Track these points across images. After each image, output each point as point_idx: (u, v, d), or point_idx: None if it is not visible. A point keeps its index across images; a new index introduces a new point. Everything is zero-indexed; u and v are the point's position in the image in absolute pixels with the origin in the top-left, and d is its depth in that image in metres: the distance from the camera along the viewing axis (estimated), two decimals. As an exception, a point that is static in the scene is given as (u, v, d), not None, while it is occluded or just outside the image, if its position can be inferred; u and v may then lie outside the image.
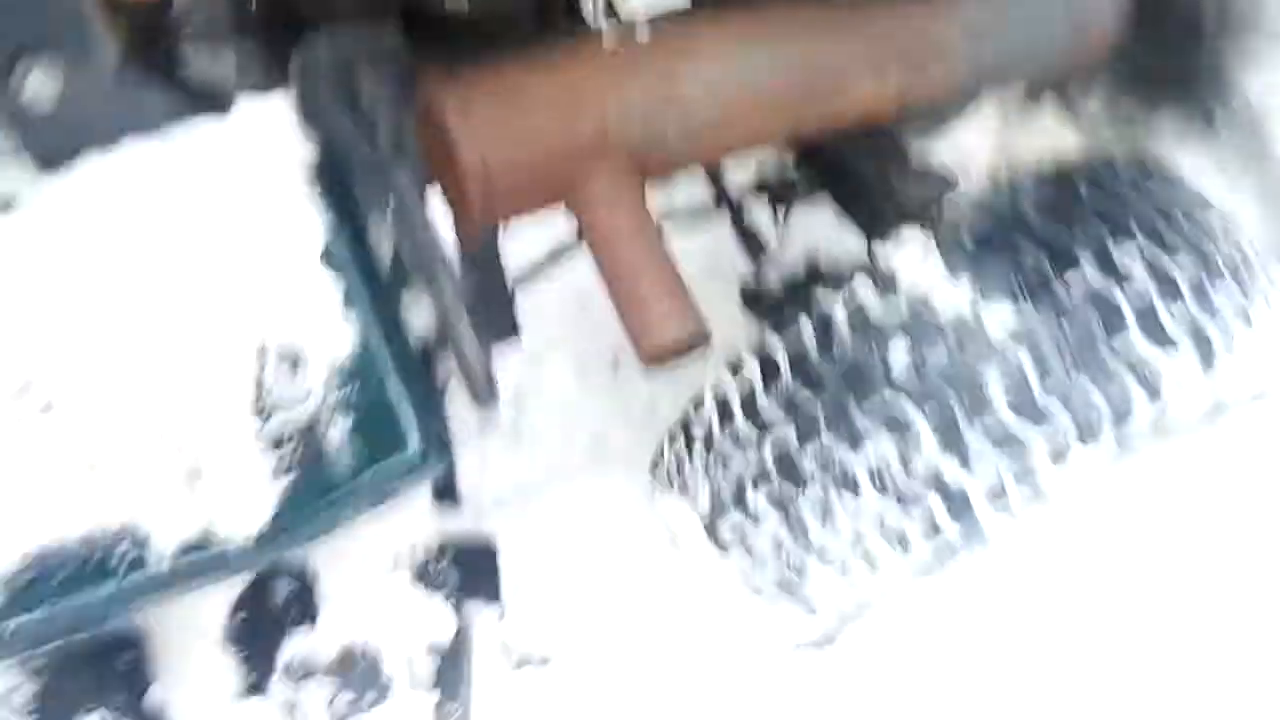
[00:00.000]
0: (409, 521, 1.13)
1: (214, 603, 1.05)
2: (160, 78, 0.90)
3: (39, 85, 0.84)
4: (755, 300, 1.30)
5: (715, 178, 1.37)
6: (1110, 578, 1.28)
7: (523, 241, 1.25)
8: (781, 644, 1.16)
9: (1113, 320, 0.97)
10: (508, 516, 1.28)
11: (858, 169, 1.23)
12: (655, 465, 1.16)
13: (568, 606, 1.26)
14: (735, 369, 1.10)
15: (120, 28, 0.88)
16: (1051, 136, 1.46)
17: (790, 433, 1.00)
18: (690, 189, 1.38)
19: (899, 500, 0.95)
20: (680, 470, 1.09)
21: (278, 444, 0.93)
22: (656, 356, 0.93)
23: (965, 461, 0.94)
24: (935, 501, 0.94)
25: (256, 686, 1.05)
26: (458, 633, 1.08)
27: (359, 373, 0.94)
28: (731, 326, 1.37)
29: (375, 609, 1.09)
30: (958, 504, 0.95)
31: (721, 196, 1.37)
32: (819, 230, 1.31)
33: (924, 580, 1.03)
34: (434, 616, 1.09)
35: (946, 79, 1.07)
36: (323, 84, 0.95)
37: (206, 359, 0.92)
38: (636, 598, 1.26)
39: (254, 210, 0.96)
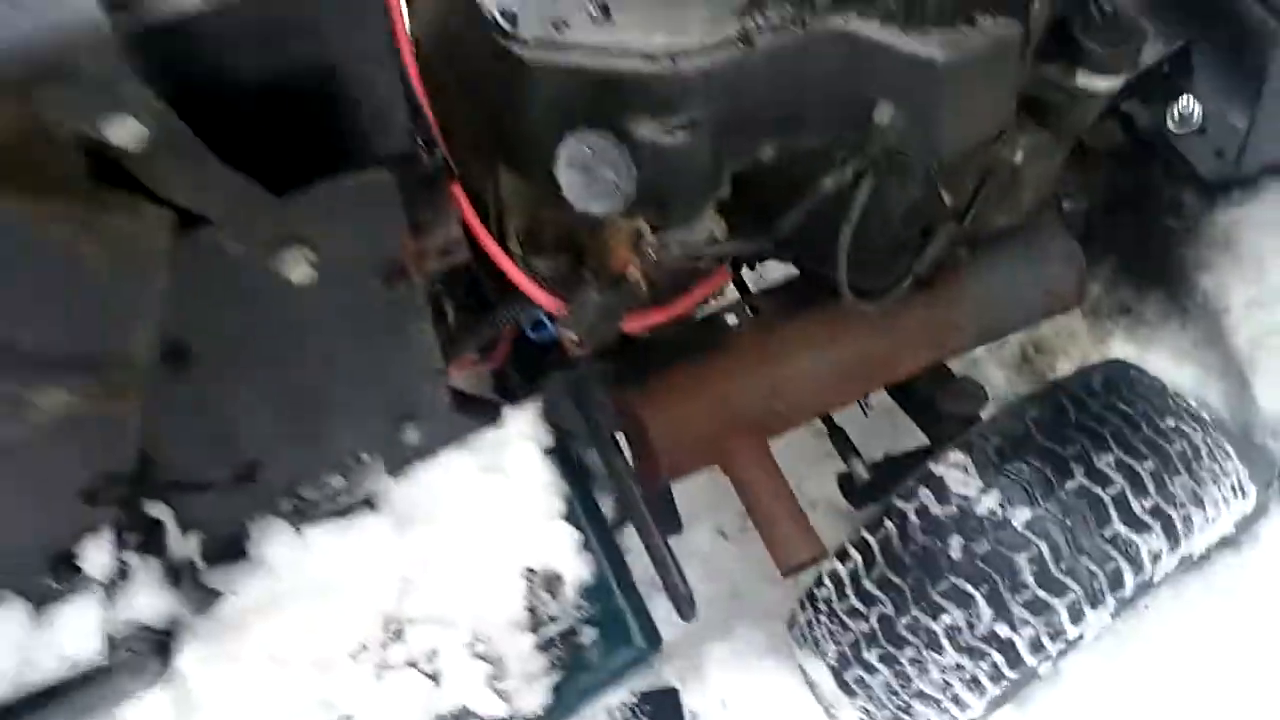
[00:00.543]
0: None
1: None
2: (477, 405, 1.41)
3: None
4: (849, 488, 1.77)
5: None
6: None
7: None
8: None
9: (1100, 513, 1.42)
10: (676, 666, 1.75)
11: (916, 390, 1.70)
12: (792, 624, 1.62)
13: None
14: (843, 556, 1.56)
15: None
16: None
17: (889, 606, 1.45)
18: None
19: (970, 655, 1.39)
20: (812, 631, 1.55)
21: (547, 648, 1.42)
22: (789, 571, 1.41)
23: (1012, 625, 1.38)
24: (996, 655, 1.38)
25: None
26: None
27: (597, 591, 1.43)
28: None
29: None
30: (1012, 656, 1.39)
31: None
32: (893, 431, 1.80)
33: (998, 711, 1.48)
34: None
35: (960, 345, 1.56)
36: (561, 396, 1.47)
37: (496, 589, 1.42)
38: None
39: (521, 481, 1.47)
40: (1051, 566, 1.40)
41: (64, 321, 0.76)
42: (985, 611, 1.40)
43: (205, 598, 1.22)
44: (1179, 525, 1.43)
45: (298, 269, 0.94)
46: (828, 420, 1.69)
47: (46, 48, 0.61)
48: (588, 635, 1.42)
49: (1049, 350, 1.99)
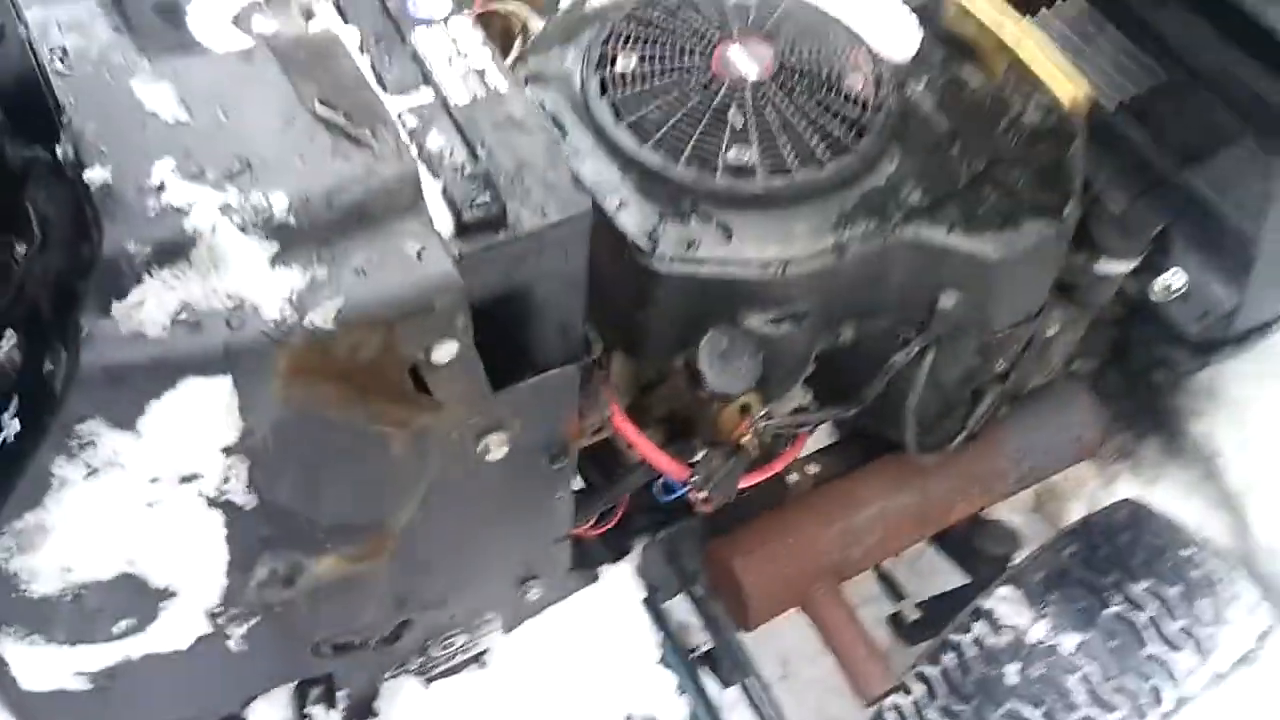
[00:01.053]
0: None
1: None
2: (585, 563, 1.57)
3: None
4: (899, 627, 1.93)
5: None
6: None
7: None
8: None
9: (1138, 636, 1.60)
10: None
11: (955, 534, 1.89)
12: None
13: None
14: (904, 689, 1.71)
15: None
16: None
17: (955, 733, 1.61)
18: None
19: (1036, 771, 1.55)
20: (887, 757, 1.69)
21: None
22: (874, 701, 1.56)
23: (1071, 741, 1.55)
24: (1060, 769, 1.55)
25: None
26: None
27: (690, 729, 1.57)
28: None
29: None
30: (1073, 770, 1.55)
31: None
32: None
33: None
34: None
35: (1005, 490, 1.77)
36: (652, 556, 1.64)
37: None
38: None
39: (620, 631, 1.62)
40: (1100, 686, 1.56)
41: (359, 499, 0.93)
42: (1045, 730, 1.56)
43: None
44: (1207, 643, 1.62)
45: (499, 450, 1.12)
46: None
47: (414, 295, 0.81)
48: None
49: (1060, 495, 2.20)
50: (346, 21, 1.11)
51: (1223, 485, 1.97)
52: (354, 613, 1.10)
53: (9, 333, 0.80)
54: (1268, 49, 2.05)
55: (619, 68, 1.40)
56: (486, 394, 1.03)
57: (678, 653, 1.64)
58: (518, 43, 2.62)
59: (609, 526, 1.52)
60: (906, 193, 1.35)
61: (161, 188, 0.75)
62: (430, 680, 1.51)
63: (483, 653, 1.56)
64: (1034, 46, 1.60)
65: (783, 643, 2.03)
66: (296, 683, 1.24)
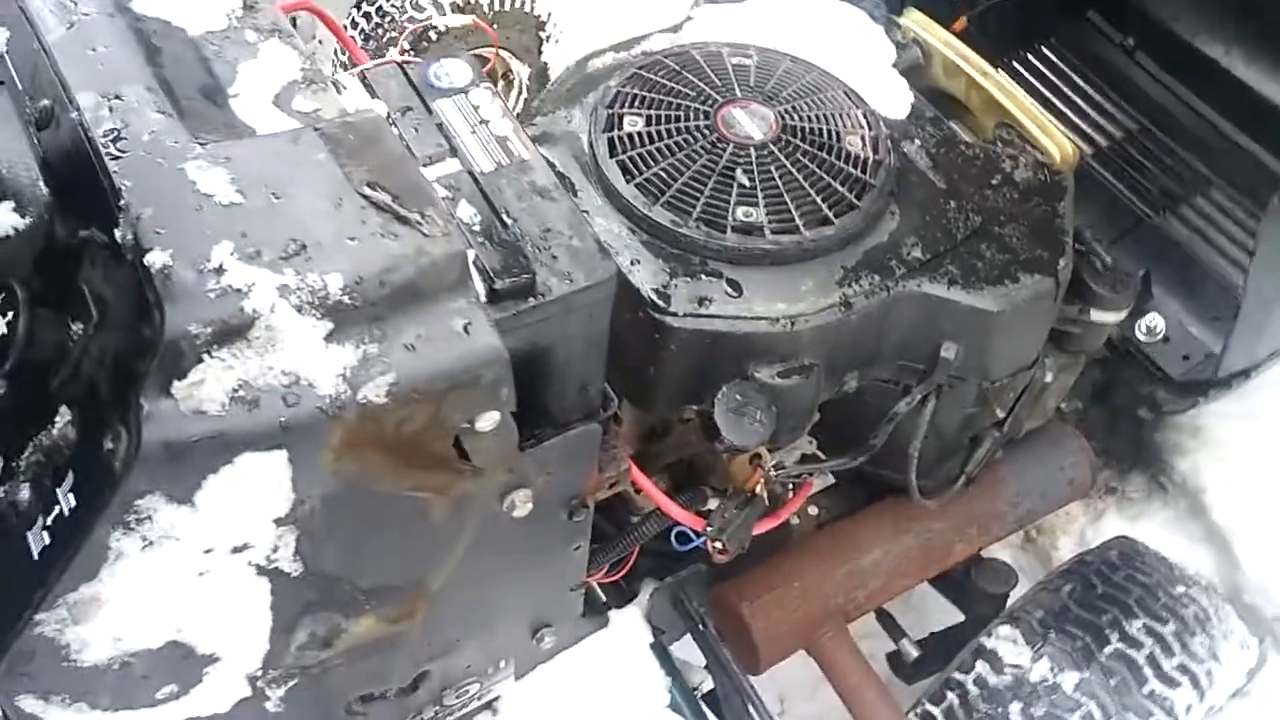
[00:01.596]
0: None
1: None
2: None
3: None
4: (898, 666, 1.96)
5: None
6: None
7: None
8: None
9: (1137, 673, 1.64)
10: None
11: (952, 573, 1.93)
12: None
13: None
14: (911, 728, 1.74)
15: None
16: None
17: (961, 768, 1.64)
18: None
19: (1041, 806, 1.58)
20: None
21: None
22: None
23: (1074, 776, 1.58)
24: (1064, 804, 1.58)
25: None
26: None
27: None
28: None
29: None
30: (1078, 803, 1.58)
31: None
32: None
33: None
34: None
35: (1002, 531, 1.81)
36: (660, 601, 1.66)
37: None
38: None
39: (629, 675, 1.64)
40: (1102, 722, 1.61)
41: (399, 562, 0.96)
42: (1050, 767, 1.59)
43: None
44: (1203, 679, 1.66)
45: (523, 507, 1.15)
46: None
47: (463, 369, 0.84)
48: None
49: (1049, 530, 2.26)
50: (374, 96, 1.15)
51: (1208, 521, 2.03)
52: (386, 671, 1.11)
53: (64, 409, 0.82)
54: (1240, 103, 2.15)
55: (627, 129, 1.44)
56: (516, 454, 1.06)
57: (686, 695, 1.66)
58: (514, 92, 2.68)
59: (622, 575, 1.55)
60: (907, 249, 1.40)
61: (221, 270, 0.78)
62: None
63: (494, 699, 1.58)
64: (1024, 102, 1.66)
65: (780, 679, 2.05)
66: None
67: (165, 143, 0.85)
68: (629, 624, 1.67)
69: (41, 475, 0.82)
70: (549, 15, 2.69)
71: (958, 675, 1.73)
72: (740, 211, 1.36)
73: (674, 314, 1.30)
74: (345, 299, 0.81)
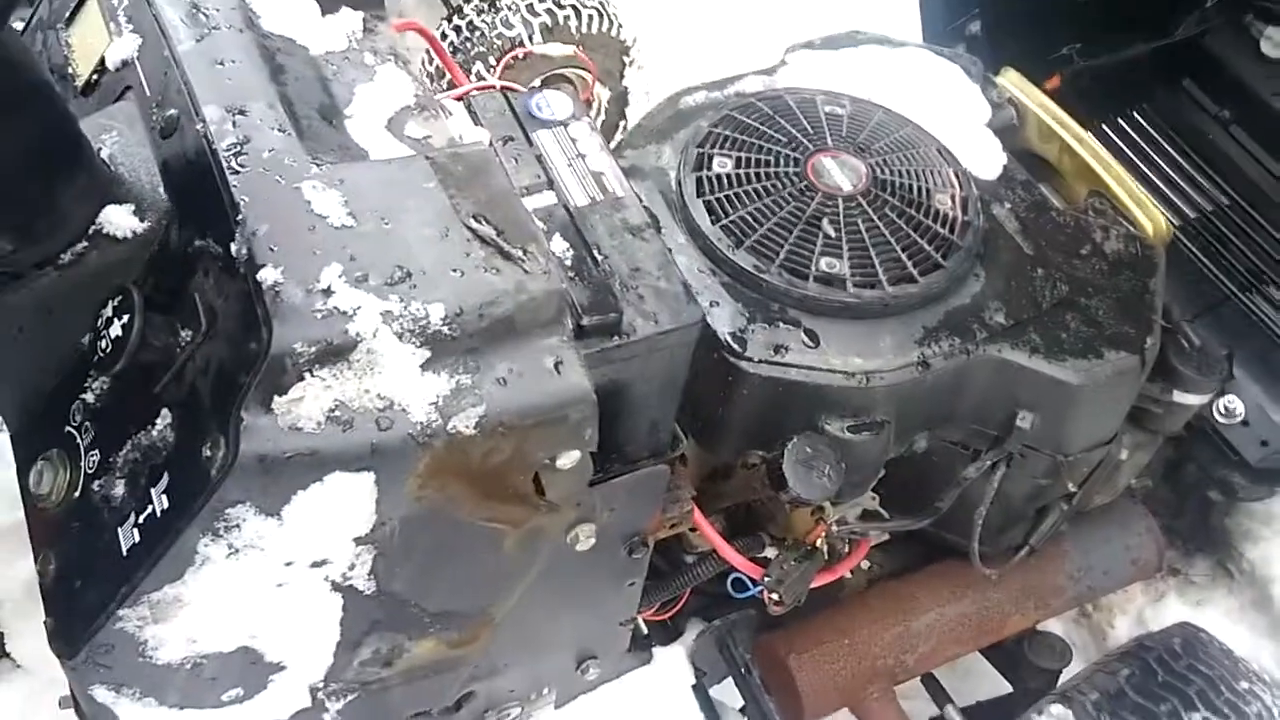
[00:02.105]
0: None
1: None
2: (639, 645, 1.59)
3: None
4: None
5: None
6: None
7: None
8: None
9: (1193, 767, 1.60)
10: None
11: (1004, 642, 1.90)
12: None
13: None
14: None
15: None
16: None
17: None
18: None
19: None
20: None
21: None
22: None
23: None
24: None
25: None
26: None
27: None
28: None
29: None
30: None
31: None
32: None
33: None
34: None
35: (1061, 606, 1.77)
36: (705, 643, 1.65)
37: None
38: None
39: (669, 713, 1.63)
40: (1155, 809, 1.56)
41: (468, 590, 0.97)
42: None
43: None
44: (1262, 780, 1.61)
45: (586, 542, 1.15)
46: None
47: (551, 406, 0.85)
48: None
49: (1106, 608, 2.20)
50: (478, 123, 1.17)
51: (1276, 614, 1.97)
52: (441, 693, 1.12)
53: (165, 412, 0.84)
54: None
55: (716, 169, 1.45)
56: (585, 490, 1.06)
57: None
58: (593, 114, 2.71)
59: (673, 614, 1.55)
60: (990, 313, 1.38)
61: (329, 291, 0.80)
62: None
63: (534, 729, 1.58)
64: (1119, 171, 1.64)
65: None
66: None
67: (284, 161, 0.87)
68: (672, 663, 1.67)
69: (138, 474, 0.84)
70: (634, 40, 2.72)
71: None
72: (824, 262, 1.36)
73: (749, 359, 1.30)
74: (444, 329, 0.82)
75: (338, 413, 0.79)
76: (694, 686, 1.68)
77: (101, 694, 0.89)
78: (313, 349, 0.79)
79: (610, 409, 1.11)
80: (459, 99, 1.25)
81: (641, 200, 1.42)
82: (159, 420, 0.84)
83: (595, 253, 1.10)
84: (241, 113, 0.89)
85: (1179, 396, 1.49)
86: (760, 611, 1.66)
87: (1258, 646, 1.97)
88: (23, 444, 0.97)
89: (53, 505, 0.91)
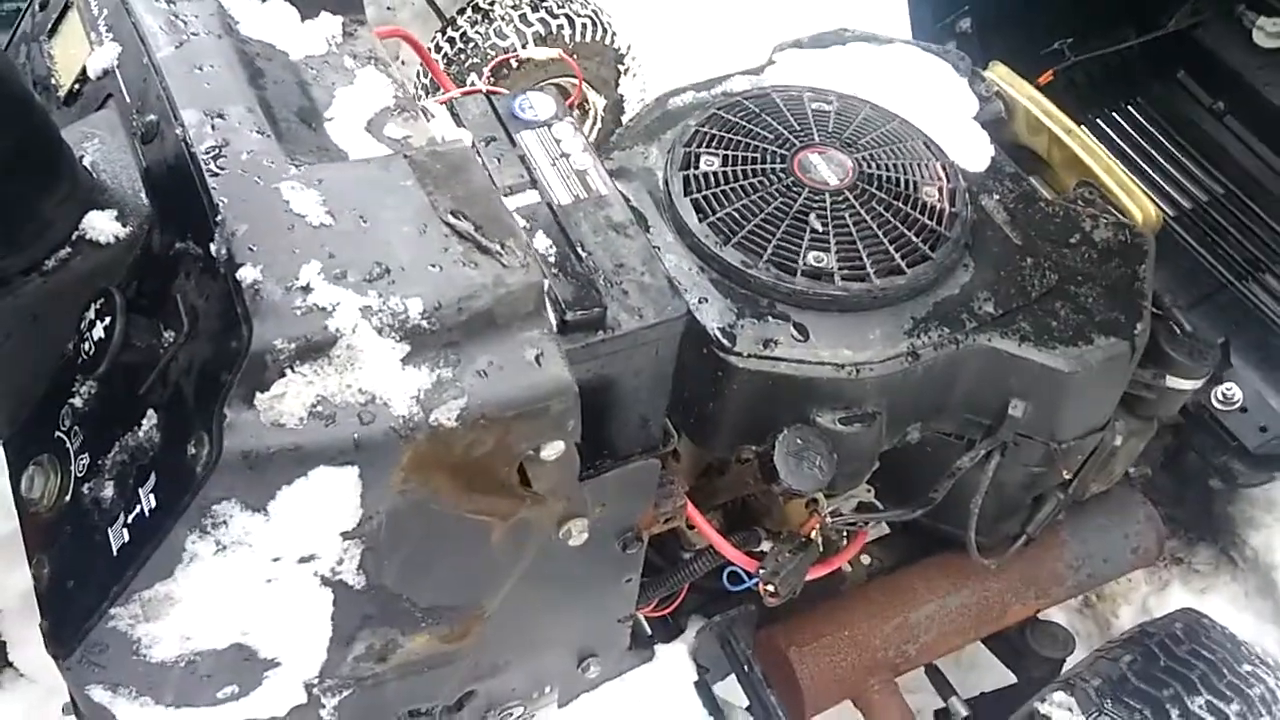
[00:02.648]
0: None
1: None
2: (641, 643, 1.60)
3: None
4: (947, 722, 1.93)
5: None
6: None
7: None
8: None
9: (1196, 753, 1.60)
10: None
11: (1007, 632, 1.89)
12: None
13: None
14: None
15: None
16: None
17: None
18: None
19: None
20: None
21: None
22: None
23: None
24: None
25: None
26: None
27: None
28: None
29: None
30: None
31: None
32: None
33: None
34: None
35: (1061, 595, 1.77)
36: (706, 639, 1.66)
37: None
38: None
39: (671, 711, 1.63)
40: (1159, 796, 1.56)
41: (458, 583, 0.97)
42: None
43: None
44: (1268, 762, 1.61)
45: (579, 537, 1.16)
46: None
47: (532, 398, 0.86)
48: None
49: (1110, 597, 2.20)
50: (459, 124, 1.18)
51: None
52: (436, 688, 1.13)
53: (151, 413, 0.85)
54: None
55: (702, 168, 1.46)
56: (575, 484, 1.07)
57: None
58: (589, 122, 2.72)
59: (670, 610, 1.55)
60: (979, 303, 1.39)
61: (308, 288, 0.81)
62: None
63: (537, 728, 1.58)
64: (1107, 161, 1.65)
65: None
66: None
67: (262, 162, 0.88)
68: (674, 660, 1.67)
69: (126, 475, 0.85)
70: (628, 49, 2.73)
71: (1015, 739, 1.70)
72: (811, 256, 1.36)
73: (739, 354, 1.31)
74: (424, 323, 0.83)
75: (320, 408, 0.80)
76: (696, 684, 1.68)
77: (98, 694, 0.90)
78: (293, 345, 0.80)
79: (599, 404, 1.12)
80: (443, 103, 1.26)
81: (630, 200, 1.44)
82: (145, 421, 0.85)
83: (579, 249, 1.11)
84: (220, 116, 0.91)
85: (1171, 382, 1.49)
86: (760, 606, 1.66)
87: (1262, 632, 1.96)
88: (15, 450, 0.98)
89: (45, 509, 0.92)
